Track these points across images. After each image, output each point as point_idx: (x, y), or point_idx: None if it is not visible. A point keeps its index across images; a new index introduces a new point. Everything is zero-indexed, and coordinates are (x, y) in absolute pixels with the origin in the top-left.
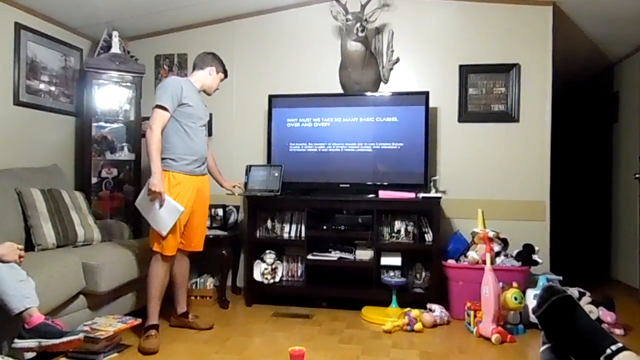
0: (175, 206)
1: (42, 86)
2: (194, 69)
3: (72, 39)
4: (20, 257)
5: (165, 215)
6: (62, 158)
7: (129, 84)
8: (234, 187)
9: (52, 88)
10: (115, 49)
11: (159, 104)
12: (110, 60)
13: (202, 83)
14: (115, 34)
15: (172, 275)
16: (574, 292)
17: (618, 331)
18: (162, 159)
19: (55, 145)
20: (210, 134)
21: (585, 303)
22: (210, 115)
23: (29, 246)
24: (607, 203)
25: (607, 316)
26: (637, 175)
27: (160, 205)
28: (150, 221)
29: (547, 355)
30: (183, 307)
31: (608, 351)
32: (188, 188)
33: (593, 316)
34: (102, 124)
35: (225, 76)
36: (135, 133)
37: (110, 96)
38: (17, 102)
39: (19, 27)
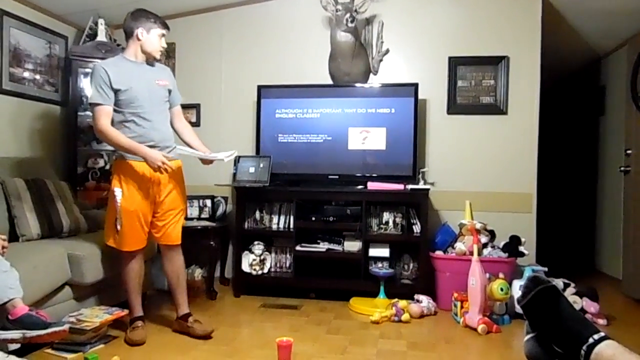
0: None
1: (26, 74)
2: (126, 40)
3: (57, 26)
4: (3, 247)
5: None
6: (47, 148)
7: None
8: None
9: (37, 76)
10: (101, 36)
11: (91, 103)
12: (96, 48)
13: (137, 52)
14: (101, 21)
15: (166, 276)
16: (558, 282)
17: (601, 321)
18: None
19: (40, 135)
20: (198, 124)
21: (570, 294)
22: (198, 105)
23: (13, 237)
24: (592, 195)
25: (591, 306)
26: (622, 168)
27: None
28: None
29: (531, 345)
30: (183, 309)
31: (591, 340)
32: (142, 177)
33: (577, 306)
34: (88, 113)
35: (164, 28)
36: None
37: None
38: (0, 91)
39: (1, 13)
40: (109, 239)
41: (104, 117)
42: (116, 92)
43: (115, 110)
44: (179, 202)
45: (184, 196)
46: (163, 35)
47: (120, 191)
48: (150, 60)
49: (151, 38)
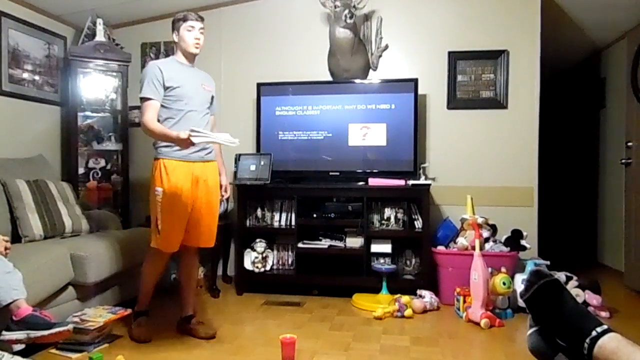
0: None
1: (25, 75)
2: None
3: (56, 26)
4: (6, 248)
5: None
6: (48, 148)
7: (114, 73)
8: (223, 194)
9: (36, 77)
10: (100, 36)
11: (142, 97)
12: (95, 48)
13: (180, 54)
14: (99, 21)
15: (178, 273)
16: (561, 276)
17: (604, 314)
18: (156, 147)
19: (40, 136)
20: None
21: (572, 287)
22: None
23: (16, 238)
24: (594, 188)
25: (593, 299)
26: (623, 161)
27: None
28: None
29: (534, 339)
30: (187, 310)
31: (594, 333)
32: (182, 176)
33: (579, 299)
34: (88, 113)
35: (191, 20)
36: (122, 122)
37: (95, 85)
38: (0, 92)
39: None
40: (152, 241)
41: (151, 111)
42: (167, 88)
43: (163, 106)
44: (215, 204)
45: (219, 197)
46: (191, 27)
47: (161, 190)
48: (193, 63)
49: (181, 34)
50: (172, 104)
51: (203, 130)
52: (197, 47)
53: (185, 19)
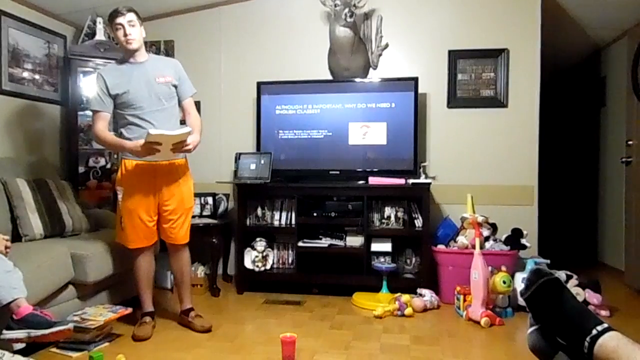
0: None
1: (25, 74)
2: None
3: (55, 25)
4: (6, 247)
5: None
6: (48, 147)
7: None
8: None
9: (36, 76)
10: (100, 35)
11: (90, 109)
12: (95, 47)
13: (124, 50)
14: (99, 20)
15: (172, 272)
16: (561, 274)
17: (604, 312)
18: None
19: (40, 135)
20: None
21: (572, 285)
22: (198, 102)
23: (16, 237)
24: (594, 187)
25: (594, 298)
26: (623, 159)
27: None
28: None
29: (535, 337)
30: (185, 303)
31: (594, 332)
32: (143, 175)
33: (580, 298)
34: (88, 112)
35: (114, 17)
36: None
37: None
38: (0, 91)
39: None
40: (116, 236)
41: (99, 121)
42: (115, 96)
43: (117, 114)
44: (184, 202)
45: (191, 195)
46: (119, 25)
47: (121, 190)
48: (134, 58)
49: (116, 35)
50: (125, 109)
51: (158, 131)
52: (129, 43)
53: (111, 19)
